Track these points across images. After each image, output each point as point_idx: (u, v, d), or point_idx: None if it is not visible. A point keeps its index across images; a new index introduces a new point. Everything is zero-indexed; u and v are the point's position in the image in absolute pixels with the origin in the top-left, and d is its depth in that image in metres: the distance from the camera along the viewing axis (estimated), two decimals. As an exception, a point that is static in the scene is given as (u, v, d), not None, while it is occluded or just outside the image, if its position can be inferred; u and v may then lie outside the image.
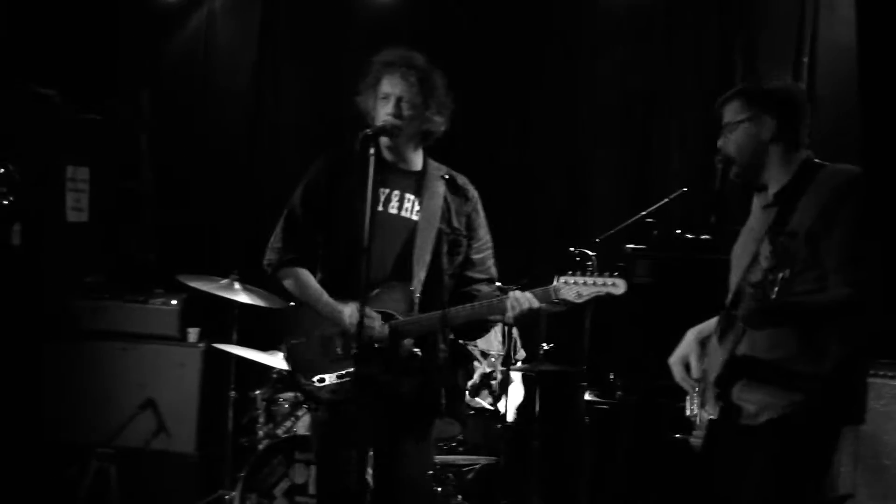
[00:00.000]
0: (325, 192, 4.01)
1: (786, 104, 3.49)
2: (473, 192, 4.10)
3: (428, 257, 3.90)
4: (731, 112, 3.52)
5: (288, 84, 7.18)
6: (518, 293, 3.72)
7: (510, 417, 5.75)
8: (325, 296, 3.95)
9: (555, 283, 3.67)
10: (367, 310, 3.70)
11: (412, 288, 3.86)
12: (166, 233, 7.22)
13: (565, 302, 3.67)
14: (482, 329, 4.20)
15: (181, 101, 7.32)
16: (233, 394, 5.96)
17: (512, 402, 5.86)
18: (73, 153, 6.86)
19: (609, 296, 3.62)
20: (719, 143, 3.55)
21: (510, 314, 3.73)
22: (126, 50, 7.21)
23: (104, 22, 7.02)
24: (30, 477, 6.20)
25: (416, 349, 3.84)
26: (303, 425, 5.56)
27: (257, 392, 5.81)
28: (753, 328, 3.25)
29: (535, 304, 3.70)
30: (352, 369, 3.84)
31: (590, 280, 3.62)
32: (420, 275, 3.88)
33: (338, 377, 3.90)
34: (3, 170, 4.05)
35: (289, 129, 7.18)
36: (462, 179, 4.10)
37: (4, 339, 6.19)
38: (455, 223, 4.01)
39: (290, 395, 5.72)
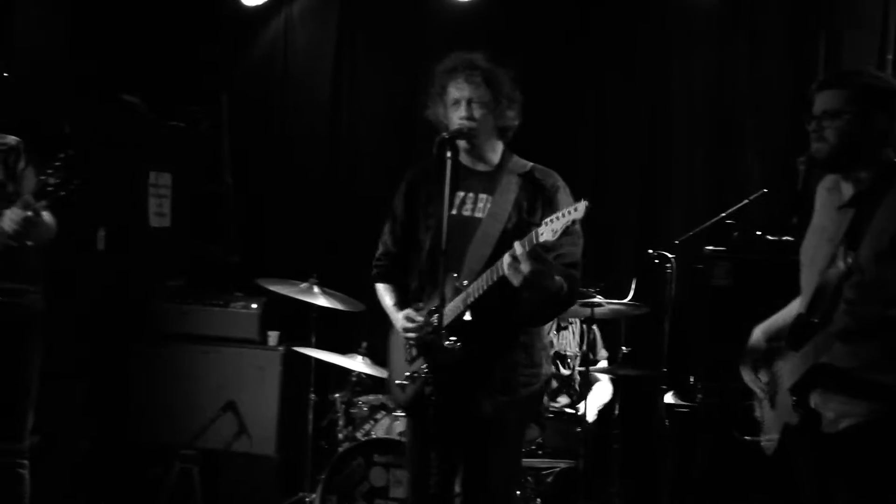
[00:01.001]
0: (406, 208, 4.16)
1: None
2: (553, 182, 4.03)
3: (488, 251, 3.88)
4: (836, 99, 3.35)
5: (366, 88, 7.20)
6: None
7: (591, 418, 5.71)
8: (392, 306, 4.17)
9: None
10: (413, 313, 3.98)
11: (461, 280, 3.87)
12: (246, 237, 7.30)
13: (548, 243, 3.57)
14: (538, 308, 3.97)
15: (261, 106, 7.41)
16: (312, 396, 6.02)
17: (595, 402, 5.84)
18: (155, 159, 6.98)
19: (575, 223, 3.51)
20: (811, 126, 3.42)
21: (505, 266, 3.64)
22: (207, 56, 7.30)
23: (185, 29, 7.11)
24: (115, 477, 6.32)
25: (454, 340, 3.79)
26: (381, 428, 5.59)
27: (336, 395, 5.87)
28: (849, 343, 3.19)
29: (519, 248, 3.60)
30: (423, 366, 3.90)
31: (558, 213, 3.54)
32: (474, 267, 3.87)
33: (409, 374, 4.00)
34: (62, 155, 4.12)
35: (367, 132, 7.20)
36: (541, 172, 4.06)
37: (91, 343, 6.32)
38: (526, 216, 3.97)
39: (369, 397, 5.77)
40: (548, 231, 3.54)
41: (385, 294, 4.24)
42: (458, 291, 3.85)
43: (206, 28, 7.28)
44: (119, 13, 6.70)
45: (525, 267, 3.60)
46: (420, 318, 3.96)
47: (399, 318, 4.06)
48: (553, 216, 3.55)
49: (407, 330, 4.00)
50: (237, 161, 7.37)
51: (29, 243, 4.40)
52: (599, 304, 5.52)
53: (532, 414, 4.52)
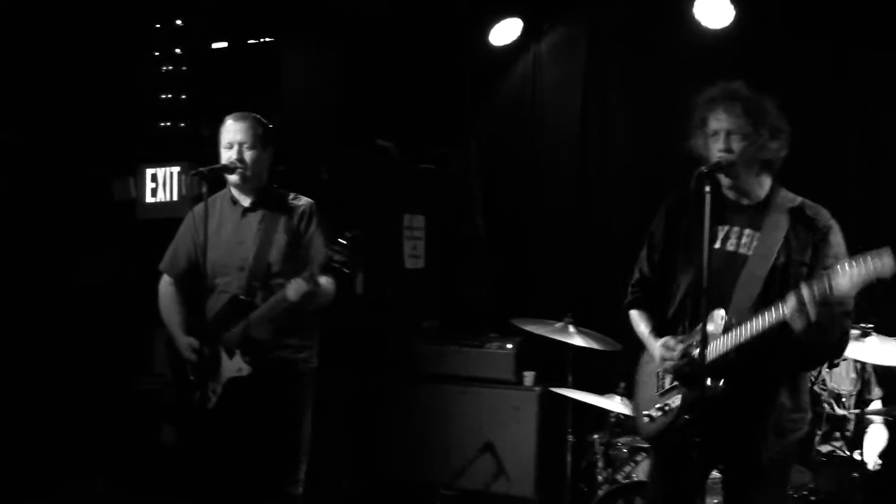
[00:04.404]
0: (666, 235, 4.09)
1: None
2: (825, 222, 3.87)
3: (756, 290, 3.77)
4: None
5: (616, 123, 7.09)
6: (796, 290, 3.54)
7: (871, 465, 5.35)
8: (648, 333, 4.09)
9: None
10: (672, 341, 3.87)
11: (729, 318, 3.76)
12: (500, 276, 7.32)
13: (841, 294, 3.43)
14: (810, 355, 3.86)
15: (511, 145, 7.45)
16: (570, 438, 5.97)
17: (872, 447, 5.47)
18: (409, 202, 7.12)
19: (880, 280, 3.34)
20: None
21: (789, 313, 3.51)
22: (457, 98, 7.40)
23: (435, 72, 7.24)
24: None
25: (719, 384, 3.70)
26: (642, 470, 5.45)
27: (595, 436, 5.80)
28: None
29: (808, 293, 3.45)
30: (678, 397, 3.86)
31: (856, 261, 3.38)
32: (742, 307, 3.76)
33: (660, 406, 3.96)
34: (349, 234, 4.25)
35: (619, 168, 7.08)
36: (812, 209, 3.91)
37: (353, 385, 6.46)
38: (796, 255, 3.82)
39: (628, 439, 5.64)
40: (844, 280, 3.40)
41: (640, 321, 4.18)
42: (726, 329, 3.74)
43: (456, 70, 7.38)
44: (375, 61, 6.88)
45: (812, 312, 3.46)
46: (679, 347, 3.85)
47: (656, 345, 3.98)
48: (849, 262, 3.42)
49: (664, 358, 3.91)
50: (488, 201, 7.42)
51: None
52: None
53: (799, 459, 4.35)
